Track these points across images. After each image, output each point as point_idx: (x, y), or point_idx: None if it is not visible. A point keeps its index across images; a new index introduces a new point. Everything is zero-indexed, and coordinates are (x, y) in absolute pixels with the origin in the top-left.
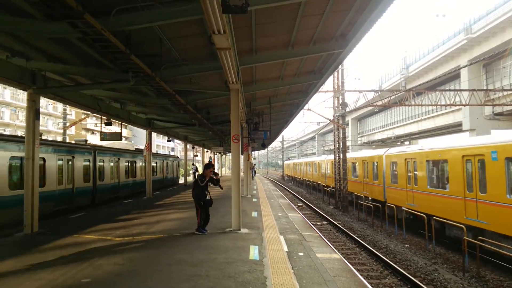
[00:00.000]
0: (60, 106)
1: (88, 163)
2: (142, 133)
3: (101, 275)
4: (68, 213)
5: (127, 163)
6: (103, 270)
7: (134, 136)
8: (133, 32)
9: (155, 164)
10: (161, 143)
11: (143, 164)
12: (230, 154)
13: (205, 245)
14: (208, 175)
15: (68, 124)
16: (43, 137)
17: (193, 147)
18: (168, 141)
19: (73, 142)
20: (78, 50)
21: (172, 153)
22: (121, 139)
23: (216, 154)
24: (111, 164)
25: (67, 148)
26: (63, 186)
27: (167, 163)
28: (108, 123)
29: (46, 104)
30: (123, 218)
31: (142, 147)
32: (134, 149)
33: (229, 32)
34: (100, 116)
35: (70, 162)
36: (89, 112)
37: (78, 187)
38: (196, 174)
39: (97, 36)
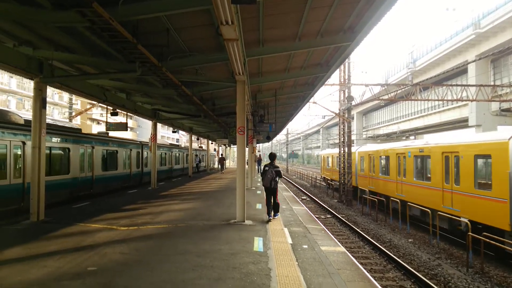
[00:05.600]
0: (66, 95)
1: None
2: (147, 123)
3: (107, 264)
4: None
5: (161, 154)
6: (108, 259)
7: (139, 127)
8: (140, 22)
9: (171, 154)
10: (165, 134)
11: (176, 154)
12: (234, 146)
13: (210, 236)
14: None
15: (73, 113)
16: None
17: (198, 139)
18: (173, 132)
19: (108, 135)
20: (86, 40)
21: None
22: (126, 130)
23: (220, 146)
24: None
25: (133, 144)
26: (128, 170)
27: (179, 154)
28: (114, 113)
29: (52, 93)
30: (128, 208)
31: (147, 138)
32: (169, 144)
33: (237, 23)
34: (106, 106)
35: (129, 153)
36: (95, 102)
37: (133, 171)
38: (199, 165)
39: (105, 25)
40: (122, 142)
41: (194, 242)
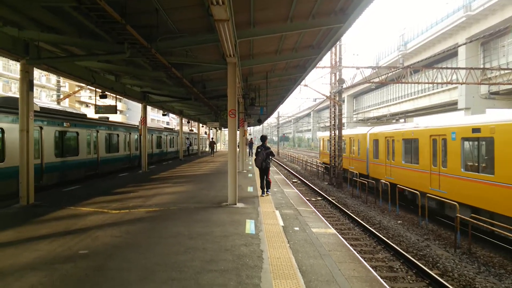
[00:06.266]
0: (53, 78)
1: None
2: (136, 106)
3: (98, 247)
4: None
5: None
6: (100, 242)
7: (129, 110)
8: (129, 2)
9: (162, 137)
10: (155, 117)
11: (172, 137)
12: (226, 129)
13: (202, 219)
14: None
15: (62, 96)
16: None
17: (188, 122)
18: (164, 115)
19: (109, 120)
20: (73, 20)
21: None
22: (115, 113)
23: (211, 129)
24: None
25: (132, 128)
26: (128, 152)
27: (170, 137)
28: (103, 96)
29: (39, 75)
30: (119, 191)
31: (136, 121)
32: (161, 127)
33: (227, 3)
34: (94, 88)
35: (129, 136)
36: (83, 85)
37: (132, 153)
38: (189, 148)
39: (93, 5)
40: (123, 126)
41: (186, 225)
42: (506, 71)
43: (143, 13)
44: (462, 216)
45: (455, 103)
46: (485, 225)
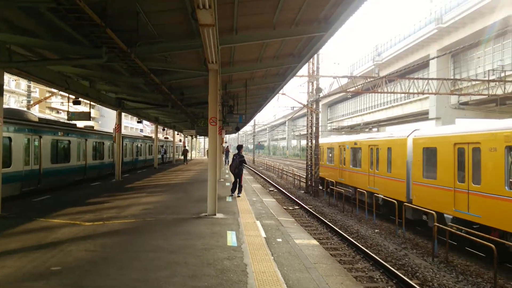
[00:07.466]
0: (23, 83)
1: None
2: (110, 113)
3: (72, 263)
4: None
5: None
6: (74, 257)
7: (102, 117)
8: (109, 4)
9: (137, 145)
10: (129, 125)
11: (147, 145)
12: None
13: (181, 231)
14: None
15: (32, 102)
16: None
17: (163, 129)
18: (138, 122)
19: (94, 129)
20: (48, 22)
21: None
22: (89, 119)
23: (186, 136)
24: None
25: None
26: (112, 159)
27: (145, 144)
28: (77, 102)
29: (8, 80)
30: (92, 202)
31: (110, 128)
32: (143, 136)
33: (214, 7)
34: (67, 94)
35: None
36: (56, 90)
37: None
38: (164, 156)
39: (72, 6)
40: (106, 134)
41: (165, 238)
42: (476, 82)
43: (124, 16)
44: (439, 225)
45: (426, 112)
46: (461, 233)
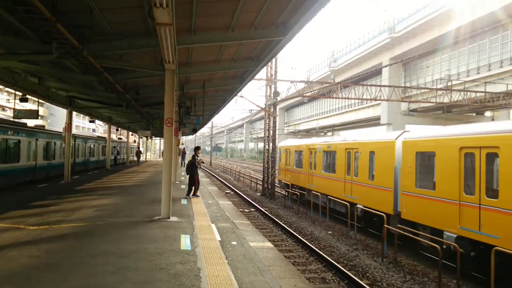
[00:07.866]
0: None
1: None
2: (61, 111)
3: (14, 269)
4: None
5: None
6: (16, 264)
7: (51, 115)
8: None
9: (88, 145)
10: (81, 124)
11: (94, 145)
12: (156, 138)
13: (133, 235)
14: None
15: None
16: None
17: (117, 130)
18: (91, 121)
19: (45, 128)
20: None
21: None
22: (37, 118)
23: (141, 137)
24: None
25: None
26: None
27: (97, 145)
28: (24, 99)
29: None
30: (38, 204)
31: (60, 127)
32: (96, 136)
33: (171, 6)
34: (14, 91)
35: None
36: (2, 87)
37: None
38: (117, 158)
39: None
40: (58, 134)
41: (115, 242)
42: (425, 90)
43: (76, 12)
44: (389, 227)
45: (378, 118)
46: (409, 235)
